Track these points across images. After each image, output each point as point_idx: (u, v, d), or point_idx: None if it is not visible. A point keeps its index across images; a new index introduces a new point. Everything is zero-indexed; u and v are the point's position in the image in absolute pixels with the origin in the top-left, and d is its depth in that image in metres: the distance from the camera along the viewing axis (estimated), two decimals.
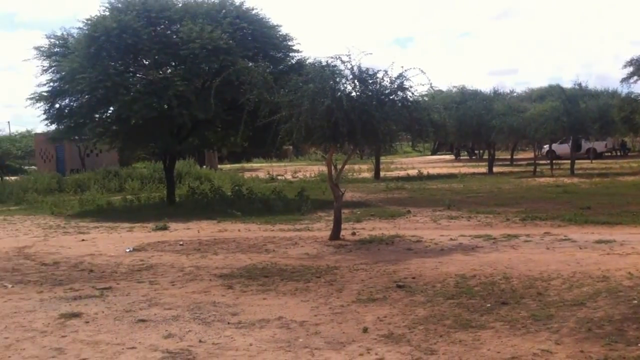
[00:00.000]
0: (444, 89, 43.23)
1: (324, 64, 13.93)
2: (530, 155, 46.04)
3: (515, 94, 46.96)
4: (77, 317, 8.08)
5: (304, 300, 8.70)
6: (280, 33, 23.67)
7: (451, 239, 13.35)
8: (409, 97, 14.11)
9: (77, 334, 7.35)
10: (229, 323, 7.64)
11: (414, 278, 9.74)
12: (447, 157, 62.84)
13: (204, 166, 41.32)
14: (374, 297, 8.62)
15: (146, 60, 22.24)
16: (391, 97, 13.88)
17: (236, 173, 39.66)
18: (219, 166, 47.34)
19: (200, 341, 6.93)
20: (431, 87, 14.59)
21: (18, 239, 16.11)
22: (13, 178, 37.91)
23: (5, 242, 15.39)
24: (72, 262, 12.27)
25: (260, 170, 45.67)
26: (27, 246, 14.62)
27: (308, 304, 8.48)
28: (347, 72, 13.72)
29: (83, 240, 15.51)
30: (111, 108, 22.19)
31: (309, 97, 13.06)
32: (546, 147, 41.85)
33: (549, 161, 37.25)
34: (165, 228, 17.06)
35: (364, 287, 9.30)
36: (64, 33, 24.33)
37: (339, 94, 13.21)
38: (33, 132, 57.46)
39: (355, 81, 13.74)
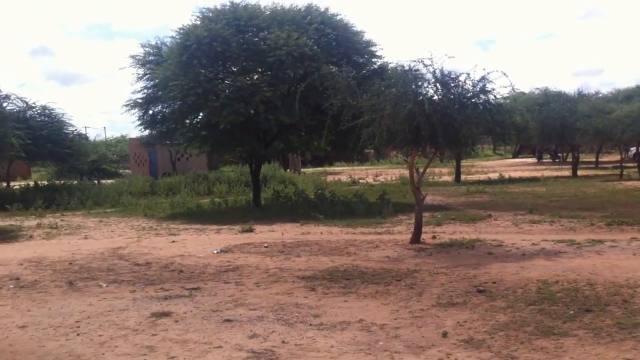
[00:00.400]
0: (526, 90, 42.33)
1: (406, 68, 13.93)
2: (617, 158, 44.44)
3: (600, 95, 45.32)
4: (167, 316, 8.37)
5: (384, 303, 8.73)
6: (364, 38, 23.75)
7: (533, 244, 13.08)
8: (491, 99, 13.94)
9: (167, 332, 7.62)
10: (311, 324, 7.75)
11: (494, 283, 9.61)
12: (529, 160, 61.26)
13: (288, 170, 41.81)
14: (454, 302, 8.57)
15: (235, 67, 22.75)
16: (473, 100, 13.75)
17: (319, 176, 39.93)
18: (302, 169, 47.78)
19: (283, 342, 7.07)
20: (513, 89, 14.37)
21: (113, 240, 16.77)
22: (109, 181, 39.38)
23: (101, 243, 16.06)
24: (163, 263, 12.69)
25: (342, 173, 45.85)
26: (121, 247, 15.20)
27: (388, 307, 8.51)
28: (429, 75, 13.68)
29: (173, 241, 16.00)
30: (201, 114, 22.79)
31: (391, 101, 13.08)
32: (633, 149, 40.23)
33: (636, 164, 35.82)
34: (251, 230, 17.39)
35: (444, 291, 9.25)
36: (158, 42, 25.25)
37: (421, 97, 13.17)
38: (127, 137, 59.64)
39: (437, 85, 13.66)
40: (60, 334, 7.74)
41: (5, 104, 26.34)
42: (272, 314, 8.30)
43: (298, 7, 23.90)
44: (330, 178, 39.58)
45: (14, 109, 27.56)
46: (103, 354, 6.91)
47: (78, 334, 7.69)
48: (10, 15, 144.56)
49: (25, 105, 29.25)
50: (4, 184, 33.49)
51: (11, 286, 10.89)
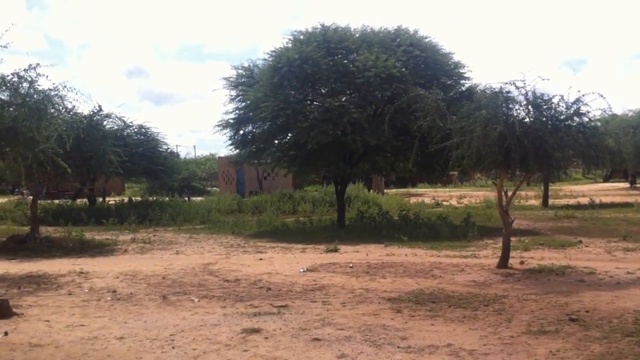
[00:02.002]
0: (619, 112, 40.82)
1: (496, 90, 13.76)
2: None
3: None
4: (257, 332, 8.49)
5: (472, 328, 8.58)
6: (453, 60, 23.58)
7: (628, 272, 12.59)
8: (585, 122, 13.58)
9: (258, 349, 7.73)
10: (398, 347, 7.70)
11: (587, 312, 9.29)
12: (621, 184, 58.91)
13: (371, 190, 41.76)
14: (545, 330, 8.33)
15: (323, 89, 23.00)
16: (566, 123, 13.43)
17: (402, 198, 39.67)
18: (385, 190, 47.61)
19: None
20: (605, 111, 13.92)
21: (203, 255, 17.16)
22: (198, 198, 40.35)
23: (191, 259, 16.46)
24: (252, 280, 12.90)
25: (425, 195, 45.38)
26: (211, 263, 15.54)
27: (476, 332, 8.36)
28: (521, 97, 13.44)
29: (261, 259, 16.24)
30: (290, 134, 23.11)
31: (481, 123, 12.94)
32: None
33: None
34: (336, 250, 17.45)
35: (534, 318, 9.01)
36: (250, 64, 25.82)
37: (512, 119, 12.96)
38: (216, 156, 61.01)
39: (529, 107, 13.41)
40: (156, 346, 7.96)
41: (105, 123, 27.43)
42: (360, 335, 8.29)
43: (387, 29, 24.01)
44: (413, 199, 39.28)
45: (113, 127, 28.66)
46: None
47: (173, 347, 7.89)
48: (109, 38, 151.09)
49: (123, 124, 30.38)
50: (100, 199, 34.79)
51: (108, 298, 11.30)
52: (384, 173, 34.12)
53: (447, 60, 23.46)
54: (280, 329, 8.66)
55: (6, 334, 8.71)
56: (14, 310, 10.09)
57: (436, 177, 42.28)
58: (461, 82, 23.73)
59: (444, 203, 36.55)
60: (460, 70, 23.69)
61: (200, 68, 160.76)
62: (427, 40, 23.65)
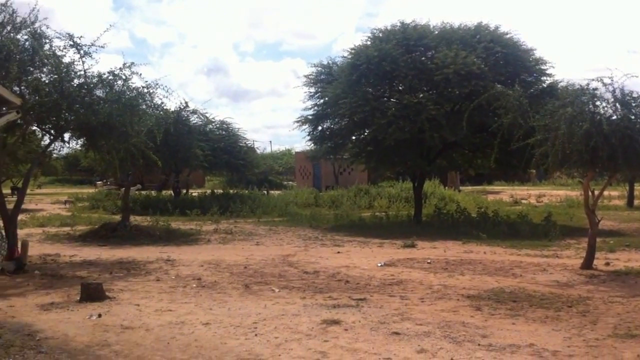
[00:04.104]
0: None
1: (581, 87, 13.27)
2: None
3: None
4: (337, 324, 8.47)
5: (555, 329, 8.30)
6: (534, 56, 22.94)
7: None
8: None
9: (338, 340, 7.70)
10: (479, 345, 7.52)
11: None
12: None
13: (447, 187, 41.16)
14: (633, 333, 7.97)
15: (401, 86, 22.82)
16: None
17: (479, 195, 38.94)
18: (461, 187, 46.85)
19: (452, 359, 6.91)
20: None
21: (282, 247, 17.31)
22: (276, 192, 40.74)
23: (271, 250, 16.62)
24: (330, 272, 12.90)
25: (502, 193, 44.38)
26: (290, 255, 15.65)
27: (560, 333, 8.08)
28: (608, 95, 12.89)
29: (338, 252, 16.24)
30: (367, 130, 23.01)
31: (566, 121, 12.49)
32: None
33: None
34: (413, 246, 17.27)
35: (621, 321, 8.65)
36: (329, 62, 25.85)
37: (599, 117, 12.46)
38: (293, 151, 61.49)
39: (617, 104, 12.84)
40: (240, 333, 8.05)
41: (191, 119, 28.02)
42: (439, 331, 8.14)
43: (467, 26, 23.59)
44: (490, 197, 38.49)
45: (197, 123, 29.23)
46: (279, 355, 7.09)
47: (256, 335, 7.96)
48: (189, 38, 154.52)
49: (206, 120, 30.93)
50: (184, 191, 35.58)
51: (194, 285, 11.52)
52: (461, 170, 33.58)
53: (528, 56, 22.85)
54: (360, 322, 8.61)
55: (100, 316, 8.99)
56: (107, 293, 10.41)
57: (514, 174, 41.21)
58: (542, 78, 23.05)
59: (523, 201, 35.67)
60: (542, 67, 23.00)
61: (276, 65, 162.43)
62: (507, 36, 23.09)
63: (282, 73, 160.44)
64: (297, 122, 25.26)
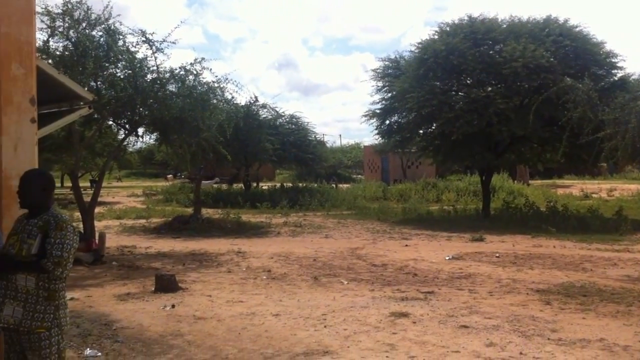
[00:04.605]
0: None
1: None
2: None
3: None
4: (405, 316, 8.46)
5: (626, 324, 8.07)
6: (604, 50, 22.20)
7: None
8: None
9: (406, 332, 7.69)
10: (549, 339, 7.39)
11: None
12: None
13: (515, 181, 40.31)
14: None
15: (469, 80, 22.47)
16: None
17: (548, 189, 37.97)
18: (530, 181, 45.76)
19: (521, 353, 6.81)
20: None
21: (350, 240, 17.34)
22: (345, 185, 40.80)
23: (340, 243, 16.68)
24: (398, 265, 12.87)
25: (572, 187, 43.11)
26: (358, 247, 15.67)
27: (631, 328, 7.85)
28: None
29: (406, 245, 16.17)
30: (435, 124, 22.77)
31: (637, 114, 12.11)
32: None
33: None
34: (481, 239, 17.03)
35: None
36: (397, 56, 25.70)
37: None
38: (361, 145, 61.39)
39: None
40: (310, 324, 8.14)
41: (261, 113, 28.31)
42: (508, 325, 8.03)
43: (536, 19, 23.00)
44: (560, 191, 37.49)
45: (267, 117, 29.51)
46: (348, 347, 7.14)
47: (325, 326, 8.03)
48: (261, 33, 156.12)
49: (276, 114, 31.19)
50: (254, 184, 36.04)
51: (264, 277, 11.70)
52: (530, 164, 32.84)
53: (598, 49, 22.08)
54: (428, 315, 8.58)
55: (173, 306, 9.24)
56: (180, 285, 10.69)
57: (584, 168, 39.90)
58: (613, 72, 22.23)
59: (594, 195, 34.60)
60: (613, 60, 22.20)
61: (345, 60, 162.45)
62: (577, 29, 22.38)
63: (352, 67, 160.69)
64: (365, 115, 25.26)
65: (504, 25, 22.64)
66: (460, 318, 8.39)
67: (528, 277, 11.44)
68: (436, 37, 22.83)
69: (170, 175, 52.44)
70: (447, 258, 13.79)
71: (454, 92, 22.67)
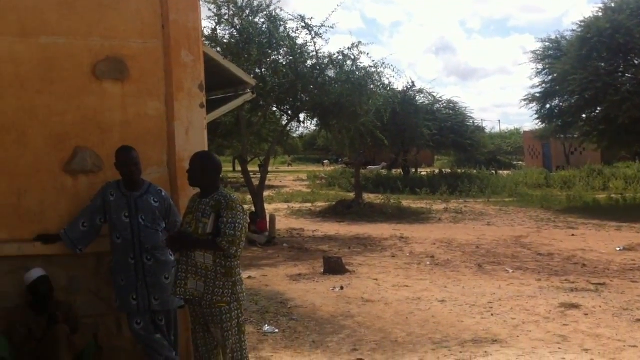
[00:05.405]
0: None
1: None
2: None
3: None
4: (576, 308, 8.10)
5: None
6: None
7: None
8: None
9: (578, 324, 7.37)
10: None
11: None
12: None
13: None
14: None
15: (637, 60, 20.91)
16: None
17: None
18: None
19: None
20: None
21: (513, 228, 16.79)
22: (505, 172, 39.55)
23: (503, 231, 16.21)
24: (565, 255, 12.32)
25: None
26: (522, 236, 15.15)
27: None
28: None
29: (573, 235, 15.39)
30: (599, 108, 21.49)
31: None
32: None
33: None
34: None
35: None
36: (557, 36, 24.48)
37: None
38: (521, 130, 59.07)
39: None
40: (476, 312, 8.03)
41: (417, 98, 28.05)
42: None
43: None
44: None
45: (424, 102, 29.18)
46: (517, 336, 6.96)
47: (492, 314, 7.89)
48: (418, 16, 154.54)
49: (433, 99, 30.75)
50: (413, 170, 35.89)
51: (428, 263, 11.68)
52: None
53: None
54: (600, 307, 8.15)
55: (342, 288, 9.49)
56: (347, 267, 10.94)
57: None
58: None
59: None
60: None
61: (504, 42, 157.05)
62: None
63: (511, 49, 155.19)
64: (525, 100, 24.35)
65: None
66: (635, 312, 7.88)
67: None
68: (600, 14, 21.34)
69: (327, 161, 53.42)
70: (617, 249, 12.97)
71: (620, 74, 21.20)
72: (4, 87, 4.96)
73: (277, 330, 7.24)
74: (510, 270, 10.86)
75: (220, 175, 4.60)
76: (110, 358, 5.04)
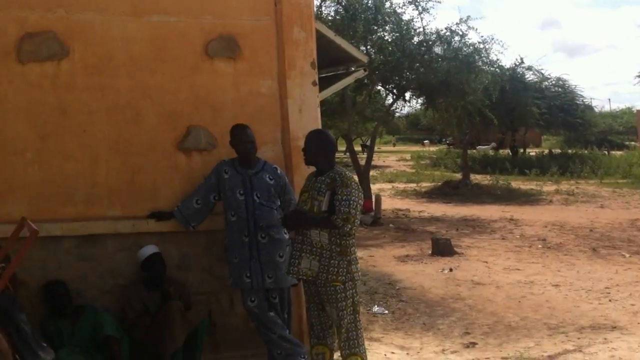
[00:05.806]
0: None
1: None
2: None
3: None
4: None
5: None
6: None
7: None
8: None
9: None
10: None
11: None
12: None
13: None
14: None
15: None
16: None
17: None
18: None
19: None
20: None
21: (629, 211, 15.76)
22: (618, 153, 37.48)
23: (617, 213, 15.27)
24: None
25: None
26: (638, 219, 14.20)
27: None
28: None
29: None
30: None
31: None
32: None
33: None
34: None
35: None
36: None
37: None
38: (634, 109, 55.84)
39: None
40: (593, 297, 7.63)
41: (527, 75, 26.90)
42: None
43: None
44: None
45: (532, 79, 27.98)
46: (638, 323, 6.52)
47: (610, 300, 7.47)
48: None
49: (541, 77, 29.45)
50: (522, 150, 34.69)
51: (539, 246, 11.21)
52: None
53: None
54: None
55: (451, 270, 9.26)
56: (455, 249, 10.67)
57: None
58: None
59: None
60: None
61: (614, 15, 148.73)
62: None
63: (621, 23, 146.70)
64: (638, 77, 22.80)
65: None
66: None
67: None
68: None
69: (427, 141, 52.49)
70: None
71: None
72: (117, 67, 4.98)
73: (386, 312, 7.13)
74: (627, 255, 10.24)
75: (335, 153, 4.50)
76: (222, 335, 5.07)
